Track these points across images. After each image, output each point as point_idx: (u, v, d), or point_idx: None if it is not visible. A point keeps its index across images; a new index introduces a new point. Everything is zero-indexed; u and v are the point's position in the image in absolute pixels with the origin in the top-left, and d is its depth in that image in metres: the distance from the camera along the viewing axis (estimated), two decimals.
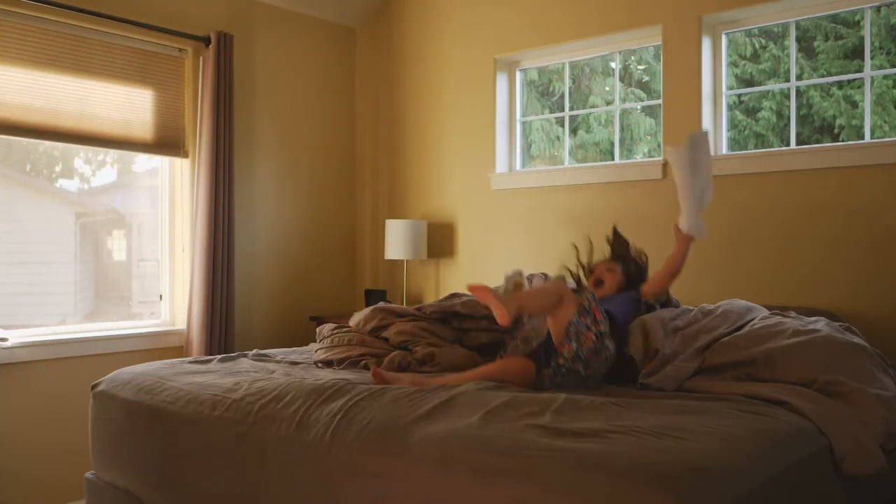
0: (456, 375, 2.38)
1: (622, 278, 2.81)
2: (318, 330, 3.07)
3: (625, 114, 4.67)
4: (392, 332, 2.81)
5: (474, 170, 4.34)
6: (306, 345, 4.15)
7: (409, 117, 4.67)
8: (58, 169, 3.83)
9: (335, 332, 2.96)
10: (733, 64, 3.75)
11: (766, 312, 2.74)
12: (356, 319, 3.01)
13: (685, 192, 2.66)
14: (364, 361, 2.73)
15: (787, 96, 3.61)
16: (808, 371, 2.29)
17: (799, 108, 3.72)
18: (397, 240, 4.27)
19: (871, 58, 3.33)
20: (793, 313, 2.73)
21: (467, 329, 2.87)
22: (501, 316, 2.25)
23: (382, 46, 4.81)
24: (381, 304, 3.12)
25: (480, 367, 2.46)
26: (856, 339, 2.46)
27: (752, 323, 2.61)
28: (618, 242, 2.97)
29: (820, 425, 2.05)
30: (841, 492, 2.04)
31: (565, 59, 4.14)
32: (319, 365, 2.80)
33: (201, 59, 4.02)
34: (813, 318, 2.63)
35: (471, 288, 2.33)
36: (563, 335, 2.34)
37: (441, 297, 4.42)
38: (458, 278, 4.40)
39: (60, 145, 3.69)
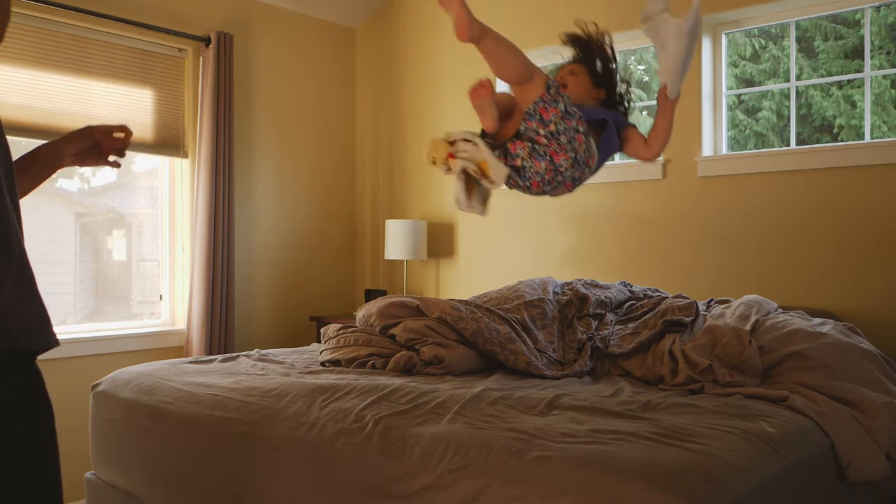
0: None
1: (588, 79, 2.13)
2: (322, 331, 3.06)
3: None
4: (399, 329, 2.80)
5: None
6: (307, 345, 4.15)
7: (409, 117, 4.67)
8: None
9: (341, 332, 2.95)
10: (733, 64, 3.75)
11: (774, 306, 2.76)
12: (366, 311, 2.98)
13: (682, 59, 2.02)
14: (372, 361, 2.73)
15: (787, 96, 3.61)
16: (815, 375, 2.29)
17: (799, 107, 3.72)
18: (397, 240, 4.27)
19: (871, 58, 3.33)
20: (801, 312, 2.73)
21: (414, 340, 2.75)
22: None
23: (382, 46, 4.81)
24: (397, 298, 3.03)
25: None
26: (863, 344, 2.46)
27: (759, 321, 2.60)
28: (578, 41, 2.25)
29: (826, 429, 2.05)
30: (841, 491, 2.04)
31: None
32: (326, 365, 2.80)
33: (201, 59, 4.02)
34: (819, 320, 2.63)
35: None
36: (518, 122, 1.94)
37: (446, 297, 4.42)
38: (458, 278, 4.40)
39: None
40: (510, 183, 1.95)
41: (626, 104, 2.14)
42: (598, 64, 2.13)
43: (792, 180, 3.27)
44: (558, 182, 1.91)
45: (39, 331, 1.21)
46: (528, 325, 2.85)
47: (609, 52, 2.13)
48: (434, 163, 2.10)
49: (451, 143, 2.07)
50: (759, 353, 2.42)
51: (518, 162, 1.90)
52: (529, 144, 1.89)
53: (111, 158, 1.68)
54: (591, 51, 2.17)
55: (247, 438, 2.11)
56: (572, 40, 2.19)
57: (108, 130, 1.65)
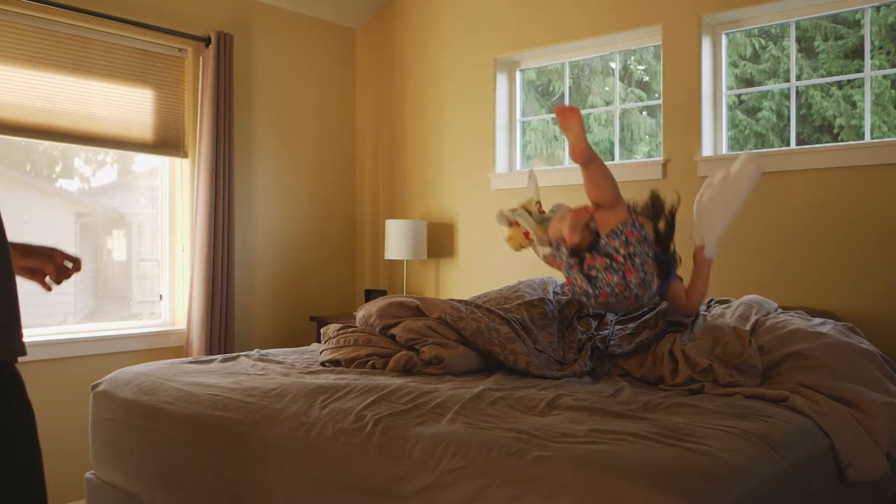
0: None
1: (652, 233, 2.48)
2: (322, 330, 3.06)
3: (625, 114, 4.67)
4: (399, 329, 2.80)
5: (474, 170, 4.34)
6: (307, 345, 4.15)
7: (409, 117, 4.67)
8: (58, 169, 3.83)
9: (341, 332, 2.95)
10: (733, 64, 3.75)
11: (774, 306, 2.76)
12: (366, 311, 2.98)
13: (727, 215, 2.50)
14: (372, 361, 2.73)
15: (787, 96, 3.61)
16: (815, 375, 2.29)
17: (799, 107, 3.72)
18: (397, 240, 4.27)
19: (871, 58, 3.33)
20: (801, 312, 2.73)
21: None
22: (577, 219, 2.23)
23: (382, 46, 4.81)
24: (397, 298, 3.01)
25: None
26: (863, 344, 2.46)
27: (759, 321, 2.60)
28: (655, 203, 2.66)
29: (826, 429, 2.05)
30: (841, 491, 2.04)
31: (565, 60, 4.14)
32: (326, 365, 2.79)
33: (201, 59, 4.02)
34: (819, 320, 2.62)
35: (559, 110, 2.25)
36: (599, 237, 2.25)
37: (447, 297, 4.42)
38: (458, 278, 4.40)
39: (60, 145, 3.69)
40: (576, 290, 2.24)
41: (675, 260, 2.51)
42: (663, 227, 2.51)
43: (792, 180, 3.27)
44: (624, 297, 2.16)
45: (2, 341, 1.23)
46: (528, 325, 2.85)
47: (673, 220, 2.52)
48: (522, 247, 2.54)
49: (517, 224, 2.48)
50: (760, 353, 2.42)
51: (593, 273, 2.17)
52: (607, 260, 2.15)
53: (47, 280, 1.67)
54: (661, 215, 2.55)
55: (247, 438, 2.11)
56: (652, 200, 2.58)
57: (62, 262, 1.65)
